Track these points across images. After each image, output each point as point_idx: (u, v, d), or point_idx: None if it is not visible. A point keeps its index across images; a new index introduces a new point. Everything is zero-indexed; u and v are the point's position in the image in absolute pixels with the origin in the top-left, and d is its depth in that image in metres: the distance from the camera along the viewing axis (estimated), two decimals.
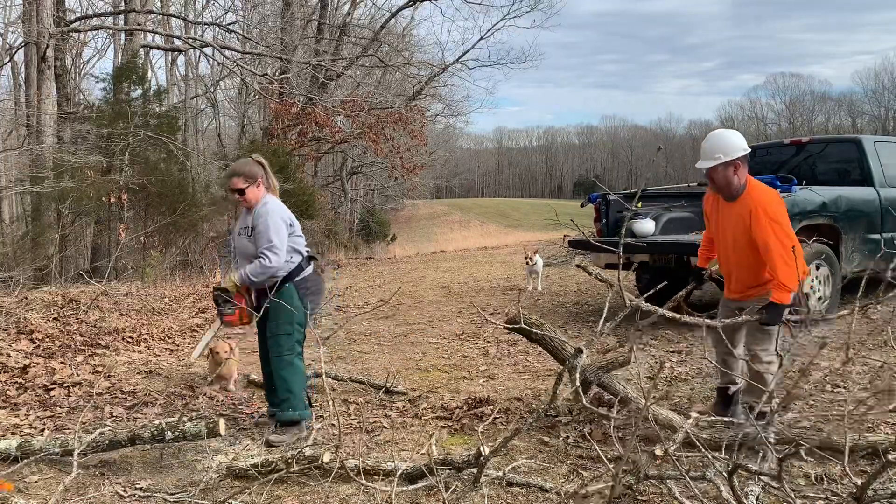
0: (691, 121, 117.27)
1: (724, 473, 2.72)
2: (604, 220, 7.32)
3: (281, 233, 3.87)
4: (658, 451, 3.31)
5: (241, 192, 3.94)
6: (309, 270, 4.08)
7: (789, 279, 3.65)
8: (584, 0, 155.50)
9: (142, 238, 13.48)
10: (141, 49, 16.61)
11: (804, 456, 2.98)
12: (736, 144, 3.81)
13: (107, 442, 3.53)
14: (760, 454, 3.02)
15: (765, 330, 3.78)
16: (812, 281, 6.60)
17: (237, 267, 4.00)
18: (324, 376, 3.18)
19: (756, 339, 3.83)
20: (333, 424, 3.98)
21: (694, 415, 3.48)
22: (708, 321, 3.55)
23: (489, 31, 23.99)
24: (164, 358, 6.08)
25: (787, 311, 3.69)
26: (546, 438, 3.75)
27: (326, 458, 3.25)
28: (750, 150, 3.89)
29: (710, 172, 3.86)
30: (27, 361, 5.44)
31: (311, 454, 3.28)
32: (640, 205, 7.12)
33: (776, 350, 3.78)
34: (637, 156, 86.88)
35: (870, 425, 3.72)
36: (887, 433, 3.52)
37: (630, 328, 5.21)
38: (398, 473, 3.09)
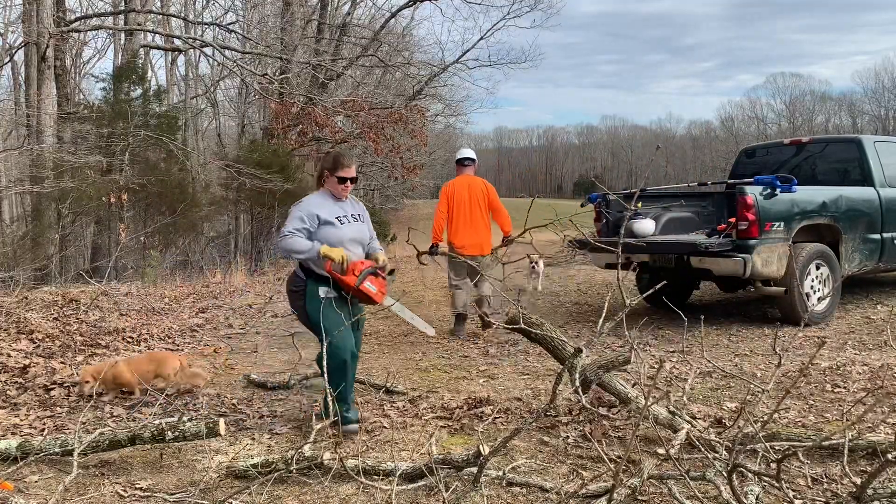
0: (691, 121, 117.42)
1: (723, 473, 2.72)
2: (604, 220, 7.32)
3: None
4: (660, 451, 3.31)
5: (356, 179, 4.09)
6: None
7: (433, 230, 6.74)
8: (582, 0, 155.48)
9: (142, 238, 13.49)
10: (141, 49, 16.62)
11: (801, 456, 2.98)
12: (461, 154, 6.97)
13: (107, 442, 3.53)
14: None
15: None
16: (812, 281, 6.61)
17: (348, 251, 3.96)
18: (324, 376, 3.18)
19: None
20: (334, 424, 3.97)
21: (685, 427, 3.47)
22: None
23: (489, 31, 24.00)
24: None
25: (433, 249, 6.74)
26: (546, 438, 3.75)
27: (326, 456, 3.24)
28: (470, 158, 6.95)
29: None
30: (27, 361, 5.44)
31: (310, 454, 3.27)
32: (640, 205, 7.12)
33: (449, 278, 6.84)
34: (637, 156, 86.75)
35: (870, 425, 3.72)
36: (887, 433, 3.51)
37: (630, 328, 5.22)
38: (398, 473, 3.09)
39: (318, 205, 4.01)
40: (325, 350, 3.67)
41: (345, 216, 4.02)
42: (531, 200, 5.77)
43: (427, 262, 7.11)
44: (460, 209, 6.63)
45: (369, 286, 3.90)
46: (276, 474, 3.18)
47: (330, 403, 3.61)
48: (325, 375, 3.54)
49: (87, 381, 4.56)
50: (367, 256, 4.12)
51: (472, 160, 6.92)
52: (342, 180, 4.02)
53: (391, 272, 4.25)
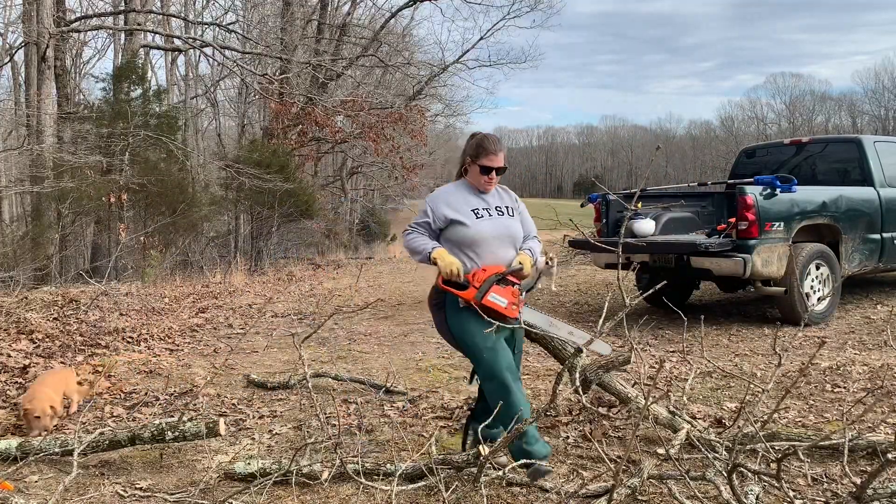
0: (691, 120, 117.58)
1: (723, 473, 2.72)
2: (604, 220, 7.32)
3: None
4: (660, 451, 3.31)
5: (504, 170, 3.29)
6: None
7: None
8: (580, 1, 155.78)
9: (142, 238, 13.49)
10: (141, 49, 16.62)
11: (801, 456, 2.98)
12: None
13: (107, 442, 3.53)
14: None
15: None
16: (812, 281, 6.61)
17: (475, 253, 3.18)
18: (307, 377, 3.18)
19: None
20: (334, 424, 3.98)
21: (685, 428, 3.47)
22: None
23: (489, 31, 23.97)
24: (164, 358, 6.08)
25: None
26: (546, 438, 3.75)
27: (324, 476, 3.22)
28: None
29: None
30: (27, 361, 5.44)
31: (308, 471, 3.25)
32: (640, 205, 7.12)
33: None
34: (637, 156, 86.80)
35: (870, 425, 3.72)
36: (887, 433, 3.51)
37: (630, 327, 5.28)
38: (398, 474, 3.08)
39: (450, 197, 3.29)
40: (478, 372, 3.16)
41: (486, 209, 3.26)
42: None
43: None
44: None
45: (496, 299, 3.06)
46: (275, 475, 3.18)
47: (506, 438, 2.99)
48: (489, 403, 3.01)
49: (47, 415, 3.96)
50: None
51: None
52: (486, 170, 3.24)
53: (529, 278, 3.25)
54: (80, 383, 4.71)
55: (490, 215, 3.25)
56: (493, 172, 3.24)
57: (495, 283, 3.08)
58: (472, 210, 3.23)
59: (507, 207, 3.32)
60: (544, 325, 3.21)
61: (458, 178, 3.41)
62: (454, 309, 3.18)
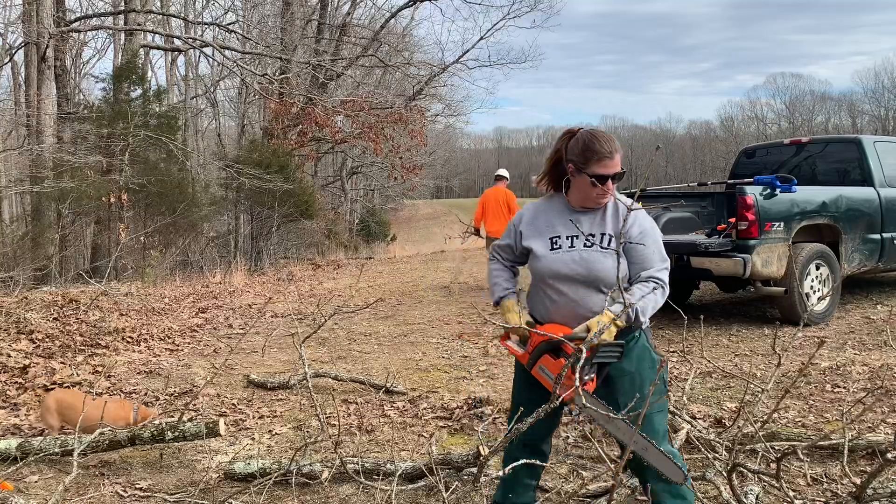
0: (691, 121, 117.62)
1: (723, 473, 2.72)
2: None
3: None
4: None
5: (622, 175, 2.45)
6: None
7: (474, 219, 9.73)
8: (580, 1, 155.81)
9: (142, 238, 13.49)
10: (141, 49, 16.61)
11: (801, 456, 2.98)
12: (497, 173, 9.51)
13: (107, 442, 3.53)
14: None
15: None
16: (812, 281, 6.61)
17: (550, 297, 2.46)
18: (307, 377, 3.18)
19: None
20: (334, 424, 3.98)
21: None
22: None
23: (489, 31, 23.96)
24: (164, 358, 6.08)
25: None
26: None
27: (324, 476, 3.23)
28: (503, 175, 9.49)
29: None
30: (27, 361, 5.44)
31: (308, 471, 3.26)
32: (640, 205, 7.12)
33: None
34: (637, 156, 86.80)
35: (870, 425, 3.72)
36: (887, 433, 3.51)
37: None
38: (398, 473, 3.09)
39: (537, 215, 2.54)
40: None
41: (571, 236, 2.43)
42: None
43: (482, 236, 9.64)
44: (490, 208, 9.23)
45: (543, 372, 2.38)
46: (275, 475, 3.18)
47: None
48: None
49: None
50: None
51: (504, 177, 9.49)
52: (601, 180, 2.37)
53: (605, 351, 2.29)
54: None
55: (572, 246, 2.42)
56: (610, 181, 2.38)
57: (546, 351, 2.36)
58: (552, 238, 2.46)
59: (602, 235, 2.42)
60: (602, 420, 2.34)
61: (549, 188, 2.58)
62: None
